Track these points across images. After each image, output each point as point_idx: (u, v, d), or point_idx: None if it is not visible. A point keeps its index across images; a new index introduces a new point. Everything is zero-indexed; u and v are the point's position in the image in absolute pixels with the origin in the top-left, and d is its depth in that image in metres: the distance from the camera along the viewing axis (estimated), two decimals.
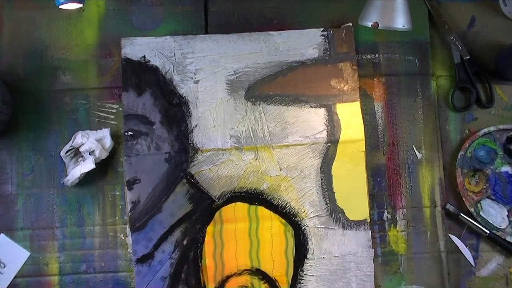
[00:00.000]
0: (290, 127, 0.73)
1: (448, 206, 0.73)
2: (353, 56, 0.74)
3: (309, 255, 0.71)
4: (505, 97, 0.76)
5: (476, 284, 0.73)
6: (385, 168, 0.74)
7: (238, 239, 0.71)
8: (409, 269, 0.72)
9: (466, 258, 0.73)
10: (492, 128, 0.74)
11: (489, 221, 0.73)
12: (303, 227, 0.71)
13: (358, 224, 0.71)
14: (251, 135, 0.73)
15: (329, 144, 0.72)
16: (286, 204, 0.72)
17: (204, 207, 0.71)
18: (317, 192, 0.72)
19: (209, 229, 0.71)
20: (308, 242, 0.71)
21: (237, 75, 0.74)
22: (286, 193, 0.72)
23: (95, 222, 0.71)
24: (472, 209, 0.73)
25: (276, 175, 0.72)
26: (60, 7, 0.64)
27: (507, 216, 0.73)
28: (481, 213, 0.73)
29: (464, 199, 0.73)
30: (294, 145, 0.72)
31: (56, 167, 0.72)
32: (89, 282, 0.70)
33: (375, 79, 0.75)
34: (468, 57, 0.75)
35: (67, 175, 0.70)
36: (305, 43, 0.74)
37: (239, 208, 0.71)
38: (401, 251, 0.72)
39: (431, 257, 0.72)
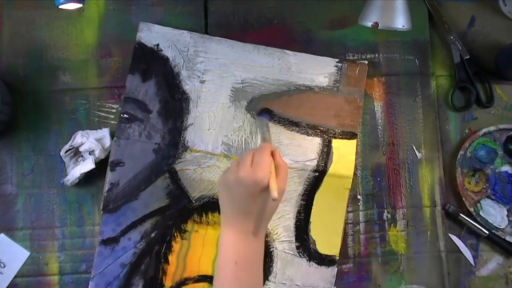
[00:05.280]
0: (282, 148, 0.72)
1: (448, 206, 0.73)
2: (361, 93, 0.73)
3: (271, 278, 0.70)
4: (505, 97, 0.76)
5: (476, 283, 0.73)
6: (385, 167, 0.74)
7: (206, 245, 0.70)
8: (409, 268, 0.72)
9: (466, 257, 0.73)
10: (492, 128, 0.74)
11: (489, 220, 0.73)
12: (272, 249, 0.71)
13: (326, 258, 0.70)
14: (243, 146, 0.72)
15: (317, 173, 0.72)
16: None
17: (180, 206, 0.71)
18: (293, 218, 0.71)
19: (180, 228, 0.71)
20: (273, 264, 0.70)
21: (243, 85, 0.73)
22: None
23: (95, 222, 0.71)
24: (472, 209, 0.73)
25: None
26: (60, 7, 0.64)
27: (507, 216, 0.73)
28: (480, 213, 0.73)
29: (464, 199, 0.73)
30: None
31: (56, 167, 0.72)
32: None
33: (375, 79, 0.75)
34: (468, 57, 0.75)
35: (67, 175, 0.70)
36: (318, 69, 0.74)
37: (214, 215, 0.71)
38: (401, 251, 0.72)
39: (431, 256, 0.72)
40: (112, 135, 0.71)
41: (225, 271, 0.58)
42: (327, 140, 0.73)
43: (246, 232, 0.58)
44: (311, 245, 0.71)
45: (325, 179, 0.72)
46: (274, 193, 0.55)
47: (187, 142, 0.72)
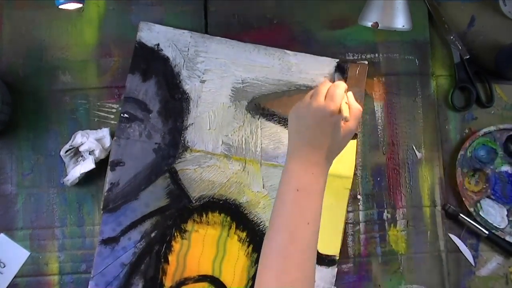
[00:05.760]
0: (283, 148, 0.72)
1: (448, 206, 0.73)
2: (361, 94, 0.73)
3: None
4: (505, 97, 0.76)
5: (476, 283, 0.73)
6: (385, 167, 0.74)
7: (205, 245, 0.70)
8: (409, 268, 0.72)
9: (466, 257, 0.73)
10: (492, 128, 0.74)
11: (489, 220, 0.73)
12: None
13: (326, 258, 0.70)
14: (243, 146, 0.72)
15: None
16: (261, 222, 0.71)
17: (180, 206, 0.71)
18: None
19: (180, 227, 0.71)
20: None
21: (244, 85, 0.73)
22: (263, 212, 0.71)
23: (95, 222, 0.71)
24: (471, 209, 0.73)
25: (257, 191, 0.72)
26: (60, 7, 0.64)
27: (507, 215, 0.73)
28: (480, 213, 0.73)
29: (463, 198, 0.73)
30: (283, 166, 0.71)
31: (56, 167, 0.72)
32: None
33: (375, 78, 0.75)
34: (468, 57, 0.75)
35: (67, 175, 0.70)
36: (318, 69, 0.74)
37: (214, 214, 0.71)
38: (401, 251, 0.72)
39: (431, 256, 0.72)
40: (112, 135, 0.71)
41: (285, 198, 0.59)
42: None
43: (311, 162, 0.59)
44: None
45: None
46: (346, 113, 0.58)
47: (187, 142, 0.72)
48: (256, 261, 0.70)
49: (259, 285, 0.55)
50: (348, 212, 0.72)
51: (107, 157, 0.71)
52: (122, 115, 0.72)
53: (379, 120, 0.75)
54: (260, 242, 0.70)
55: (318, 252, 0.70)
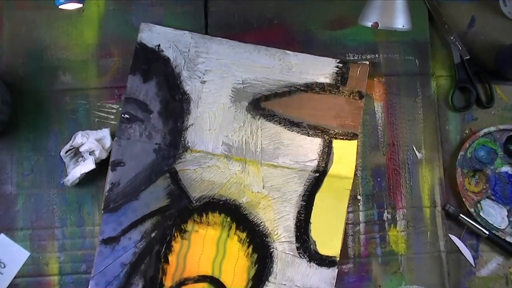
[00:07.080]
0: (283, 148, 0.72)
1: (448, 206, 0.73)
2: (362, 94, 0.73)
3: (271, 278, 0.70)
4: (505, 97, 0.76)
5: (476, 284, 0.73)
6: (385, 168, 0.74)
7: (205, 245, 0.70)
8: (409, 269, 0.72)
9: (466, 258, 0.73)
10: (492, 128, 0.74)
11: (489, 221, 0.73)
12: (272, 250, 0.70)
13: (326, 259, 0.70)
14: (243, 146, 0.72)
15: (317, 174, 0.71)
16: (261, 222, 0.71)
17: (180, 206, 0.71)
18: (294, 219, 0.71)
19: (180, 228, 0.71)
20: (274, 265, 0.70)
21: (244, 85, 0.73)
22: (263, 212, 0.71)
23: (95, 222, 0.71)
24: (472, 209, 0.73)
25: (257, 192, 0.71)
26: (60, 7, 0.64)
27: (507, 216, 0.73)
28: (481, 213, 0.73)
29: (464, 199, 0.73)
30: (283, 167, 0.72)
31: (56, 167, 0.72)
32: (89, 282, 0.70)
33: (375, 79, 0.75)
34: (468, 57, 0.75)
35: (67, 175, 0.70)
36: (319, 70, 0.74)
37: (214, 215, 0.71)
38: (401, 251, 0.72)
39: (431, 257, 0.72)
40: (112, 135, 0.71)
41: None
42: (327, 141, 0.73)
43: None
44: (311, 246, 0.71)
45: (326, 179, 0.72)
46: None
47: (188, 143, 0.72)
48: (256, 262, 0.70)
49: None
50: (348, 212, 0.72)
51: (108, 157, 0.71)
52: (122, 115, 0.72)
53: (379, 121, 0.75)
54: (260, 242, 0.70)
55: (318, 253, 0.70)
